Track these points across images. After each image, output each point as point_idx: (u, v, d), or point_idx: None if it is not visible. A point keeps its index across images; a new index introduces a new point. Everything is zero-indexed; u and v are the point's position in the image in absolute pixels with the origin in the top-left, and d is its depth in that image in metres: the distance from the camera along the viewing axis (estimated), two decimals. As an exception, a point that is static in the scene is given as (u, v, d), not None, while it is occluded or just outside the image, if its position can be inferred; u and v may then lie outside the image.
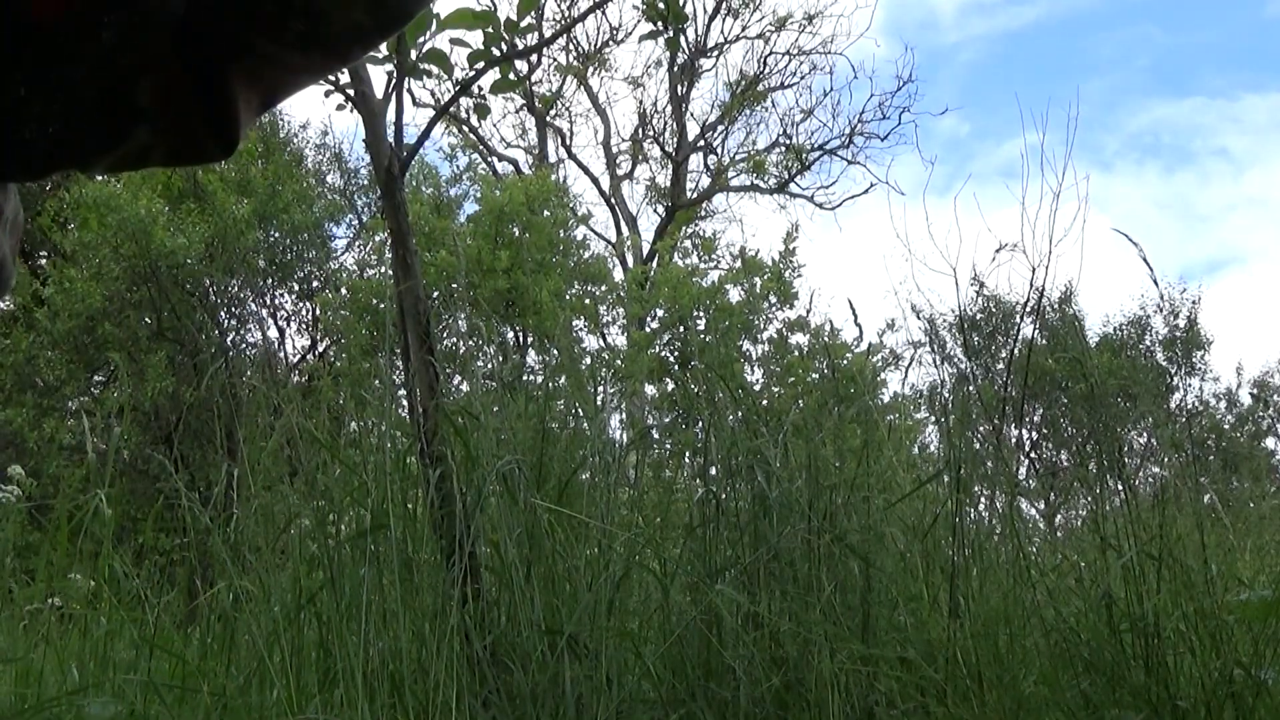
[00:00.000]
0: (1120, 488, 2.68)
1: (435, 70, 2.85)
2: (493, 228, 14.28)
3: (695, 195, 20.34)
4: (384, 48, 2.74)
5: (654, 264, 17.64)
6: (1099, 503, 2.73)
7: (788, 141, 20.26)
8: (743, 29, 20.28)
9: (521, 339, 14.14)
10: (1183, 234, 30.70)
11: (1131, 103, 30.56)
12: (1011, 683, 2.22)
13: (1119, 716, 2.12)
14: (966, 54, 30.53)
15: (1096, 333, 19.79)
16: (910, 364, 16.82)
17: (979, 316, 18.15)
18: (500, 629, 2.33)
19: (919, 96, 27.34)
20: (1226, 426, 20.58)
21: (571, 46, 20.00)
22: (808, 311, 16.85)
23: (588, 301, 16.17)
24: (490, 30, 2.81)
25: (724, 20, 20.36)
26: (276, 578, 2.47)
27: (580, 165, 20.77)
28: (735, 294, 16.64)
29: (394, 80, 2.75)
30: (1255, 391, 21.17)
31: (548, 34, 9.80)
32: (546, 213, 14.90)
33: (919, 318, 13.54)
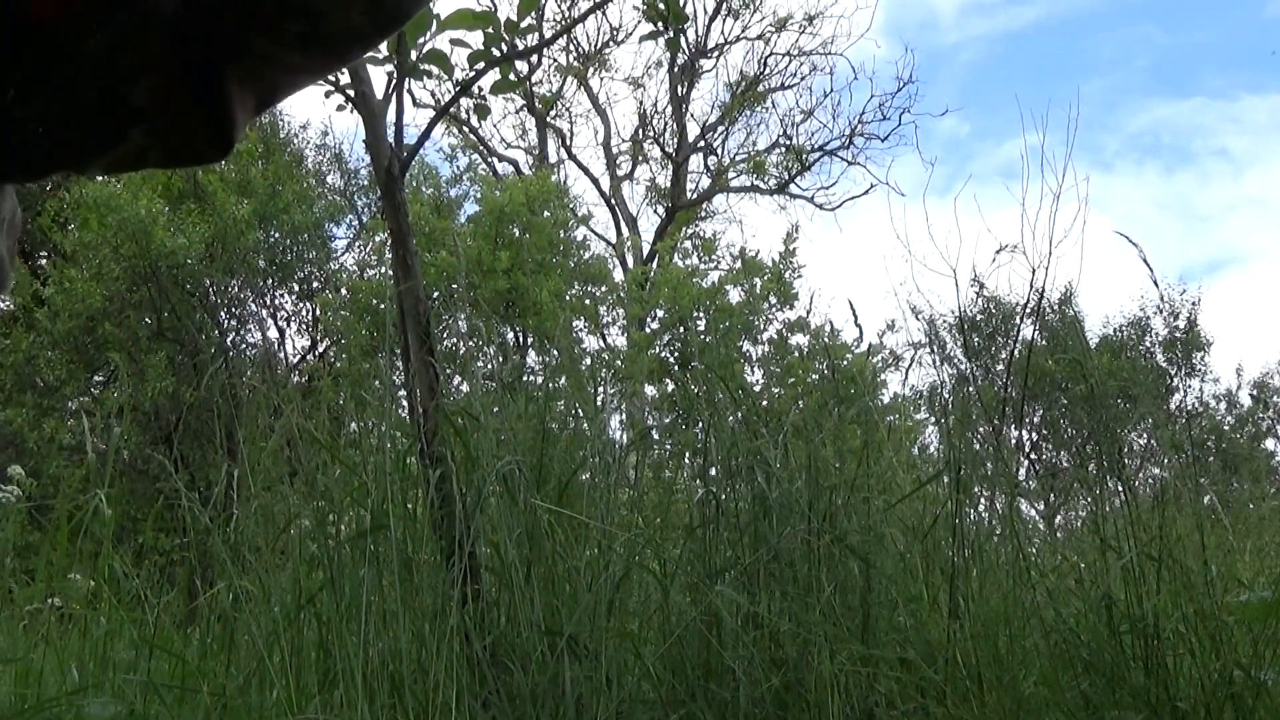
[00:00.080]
0: (1120, 489, 2.68)
1: (435, 71, 2.85)
2: (493, 228, 14.28)
3: (695, 196, 20.34)
4: (384, 48, 2.74)
5: (654, 265, 17.64)
6: (1099, 504, 2.73)
7: (788, 142, 20.27)
8: (743, 30, 20.30)
9: (521, 340, 14.14)
10: (1183, 234, 30.71)
11: (1131, 103, 30.57)
12: (1011, 683, 2.22)
13: (1119, 717, 2.12)
14: (966, 54, 30.55)
15: (1096, 334, 19.80)
16: (910, 365, 16.80)
17: (979, 317, 18.15)
18: (500, 629, 2.33)
19: (919, 97, 27.33)
20: (1226, 428, 20.58)
21: (572, 47, 20.01)
22: (808, 312, 16.86)
23: (588, 302, 16.17)
24: (490, 31, 2.81)
25: (724, 21, 20.38)
26: (276, 578, 2.47)
27: (580, 166, 20.79)
28: (735, 295, 16.64)
29: (394, 81, 2.75)
30: (1255, 393, 21.18)
31: (548, 34, 9.81)
32: (547, 213, 14.90)
33: (919, 319, 13.53)
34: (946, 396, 3.57)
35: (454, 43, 2.82)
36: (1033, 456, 17.83)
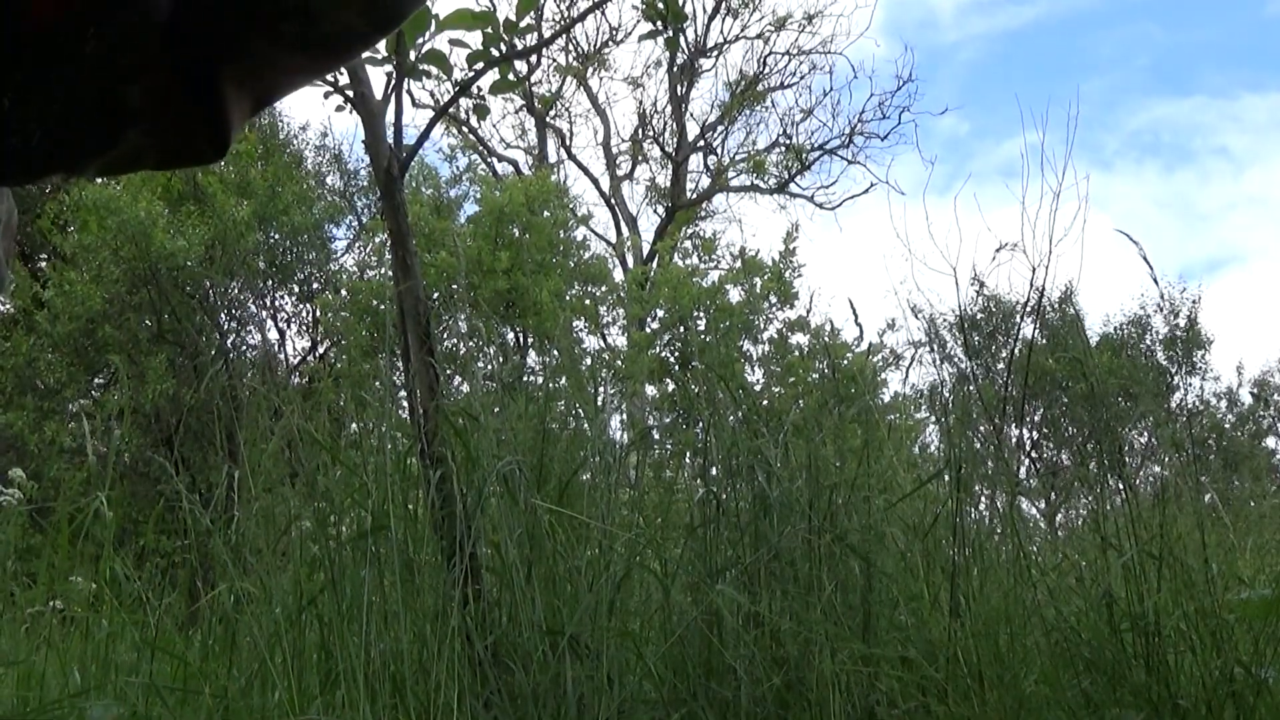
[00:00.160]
0: (1121, 487, 2.68)
1: (434, 71, 2.85)
2: (493, 228, 14.28)
3: (695, 195, 20.34)
4: (383, 49, 2.74)
5: (654, 264, 17.64)
6: (1099, 502, 2.73)
7: (787, 141, 20.27)
8: (742, 29, 20.30)
9: (522, 340, 14.14)
10: (1183, 233, 30.71)
11: (1131, 102, 30.57)
12: (1012, 682, 2.22)
13: (1120, 715, 2.12)
14: (966, 53, 30.55)
15: (1097, 332, 19.79)
16: (911, 364, 16.81)
17: (979, 316, 18.15)
18: (501, 630, 2.33)
19: (919, 96, 27.30)
20: (1227, 426, 20.58)
21: (571, 47, 20.01)
22: (808, 311, 16.86)
23: (588, 302, 16.17)
24: (489, 31, 2.81)
25: (723, 20, 20.38)
26: (278, 579, 2.47)
27: (580, 166, 20.79)
28: (735, 294, 16.64)
29: (393, 81, 2.75)
30: (1255, 391, 21.17)
31: (547, 34, 9.81)
32: (546, 213, 14.90)
33: (919, 317, 13.53)
34: (947, 395, 3.57)
35: (453, 43, 2.82)
36: (1033, 455, 17.83)
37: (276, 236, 14.17)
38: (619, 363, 14.00)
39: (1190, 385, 19.83)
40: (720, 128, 20.66)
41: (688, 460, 3.62)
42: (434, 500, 2.40)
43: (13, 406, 12.20)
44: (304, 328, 15.18)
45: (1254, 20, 29.09)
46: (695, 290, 15.89)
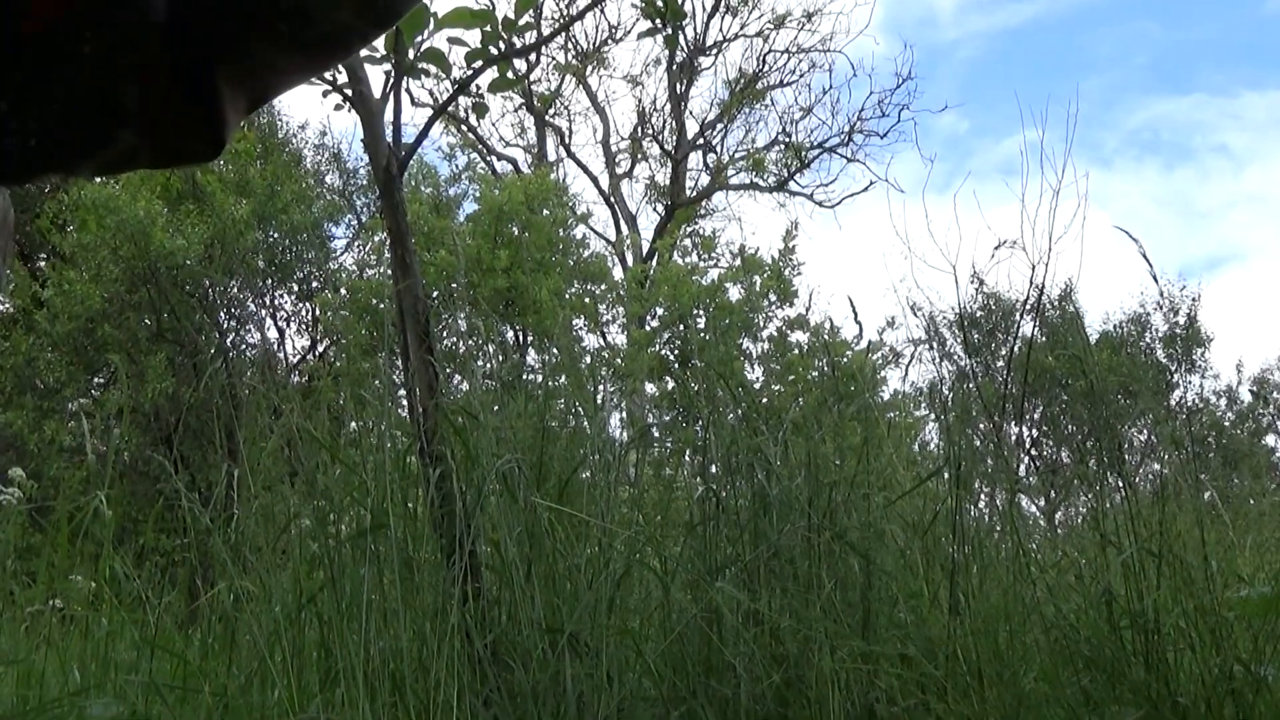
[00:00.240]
0: (1120, 485, 2.68)
1: (433, 70, 2.85)
2: (492, 227, 14.27)
3: (694, 194, 20.34)
4: (381, 47, 2.74)
5: (653, 262, 17.64)
6: (1099, 500, 2.73)
7: (787, 139, 20.27)
8: (741, 27, 20.30)
9: (521, 338, 14.14)
10: (1182, 231, 30.72)
11: (1130, 100, 30.58)
12: (1012, 679, 2.22)
13: (1119, 713, 2.12)
14: (965, 51, 30.55)
15: (1096, 330, 19.79)
16: (910, 361, 16.82)
17: (979, 314, 18.15)
18: (501, 627, 2.33)
19: (918, 94, 27.26)
20: (1226, 424, 20.58)
21: (570, 45, 20.01)
22: (807, 309, 16.86)
23: (587, 300, 16.17)
24: (488, 29, 2.80)
25: (722, 18, 20.38)
26: (277, 578, 2.47)
27: (579, 164, 20.79)
28: (735, 292, 16.64)
29: (392, 80, 2.75)
30: (1255, 389, 21.17)
31: (546, 32, 9.78)
32: (546, 212, 14.89)
33: (919, 315, 13.53)
34: (946, 393, 3.57)
35: (452, 41, 2.82)
36: (1033, 453, 17.84)
37: (276, 235, 14.17)
38: (618, 361, 14.00)
39: (1190, 383, 19.83)
40: (719, 126, 20.68)
41: (687, 458, 3.62)
42: (433, 498, 2.40)
43: (12, 406, 12.20)
44: (303, 326, 15.19)
45: (1253, 18, 29.10)
46: (695, 288, 15.89)
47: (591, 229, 19.17)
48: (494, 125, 20.44)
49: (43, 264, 14.33)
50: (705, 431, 2.90)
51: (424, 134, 2.97)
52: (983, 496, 2.91)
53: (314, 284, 14.87)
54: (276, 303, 14.83)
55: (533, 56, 17.85)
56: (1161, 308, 19.83)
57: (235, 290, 13.98)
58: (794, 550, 2.52)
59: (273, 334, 14.72)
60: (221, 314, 13.88)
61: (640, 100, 21.36)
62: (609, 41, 20.05)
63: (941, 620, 2.35)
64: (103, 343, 12.48)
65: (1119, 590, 2.29)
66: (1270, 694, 2.07)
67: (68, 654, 2.64)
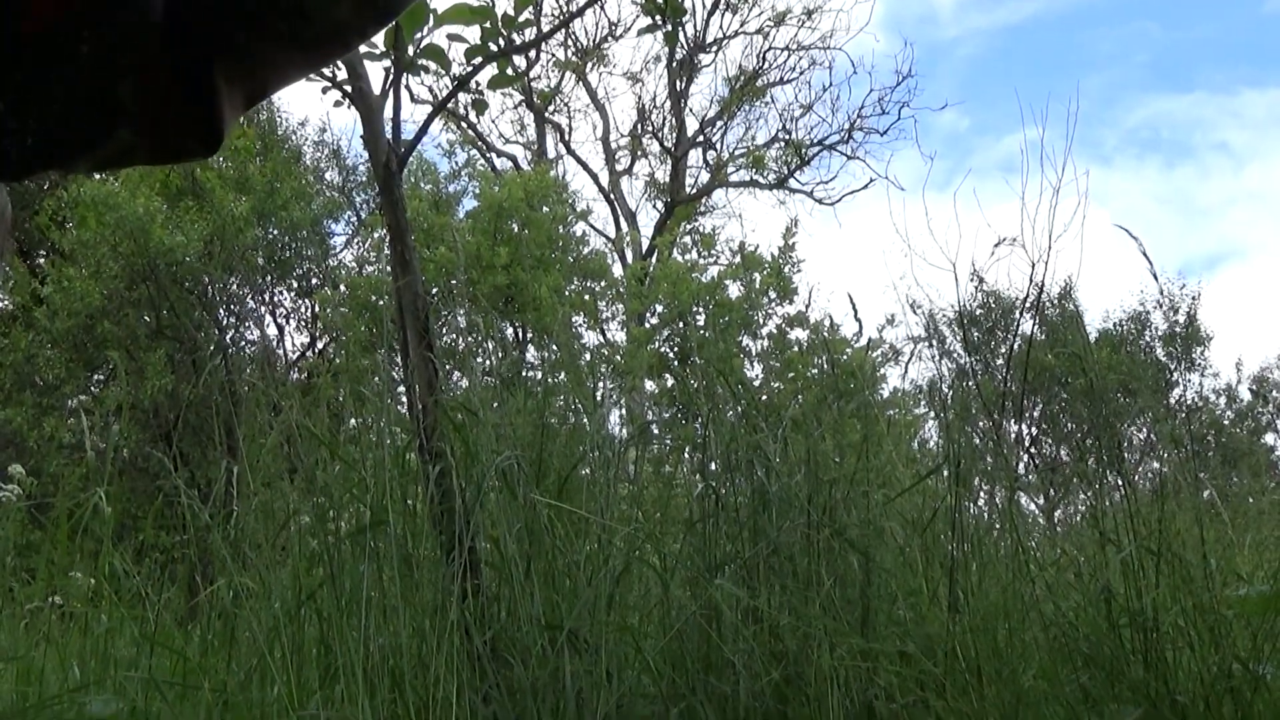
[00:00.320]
0: (1119, 483, 2.68)
1: (433, 66, 2.84)
2: (492, 224, 14.27)
3: (694, 191, 20.33)
4: (381, 43, 2.73)
5: (653, 259, 17.63)
6: (1098, 498, 2.73)
7: (787, 137, 20.26)
8: (741, 24, 20.29)
9: (521, 335, 14.14)
10: (1182, 229, 30.72)
11: (1130, 98, 30.59)
12: (1011, 677, 2.22)
13: (1118, 711, 2.12)
14: (966, 49, 30.54)
15: (1096, 328, 19.79)
16: (910, 359, 16.83)
17: (979, 312, 18.15)
18: (500, 624, 2.33)
19: (918, 91, 27.18)
20: (1226, 422, 20.59)
21: (570, 42, 20.00)
22: (807, 307, 16.86)
23: (587, 297, 16.17)
24: (488, 25, 2.80)
25: (722, 15, 20.37)
26: (277, 574, 2.47)
27: (579, 161, 20.78)
28: (734, 289, 16.64)
29: (391, 76, 2.75)
30: (1255, 387, 21.18)
31: (546, 29, 9.77)
32: (545, 208, 14.89)
33: (918, 313, 13.52)
34: (946, 391, 3.57)
35: (451, 38, 2.82)
36: (1032, 451, 17.84)
37: (275, 232, 14.17)
38: (618, 358, 14.00)
39: (1189, 381, 19.83)
40: (719, 123, 20.67)
41: (687, 455, 3.62)
42: (433, 495, 2.40)
43: (12, 403, 12.20)
44: (303, 323, 15.19)
45: (1253, 17, 29.09)
46: (694, 285, 15.89)
47: (591, 226, 19.19)
48: (494, 122, 20.45)
49: (42, 261, 14.33)
50: (705, 429, 2.90)
51: (423, 130, 2.97)
52: (982, 494, 2.91)
53: (313, 281, 14.88)
54: (276, 299, 14.84)
55: (532, 53, 17.84)
56: (1161, 306, 19.84)
57: (235, 287, 13.98)
58: (793, 547, 2.52)
59: (272, 331, 14.73)
60: (221, 311, 13.88)
61: (640, 97, 21.38)
62: (609, 38, 20.05)
63: (941, 618, 2.35)
64: (102, 339, 12.48)
65: (1118, 588, 2.29)
66: (1269, 692, 2.07)
67: (67, 651, 2.64)
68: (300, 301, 15.02)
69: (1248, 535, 3.30)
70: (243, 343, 14.20)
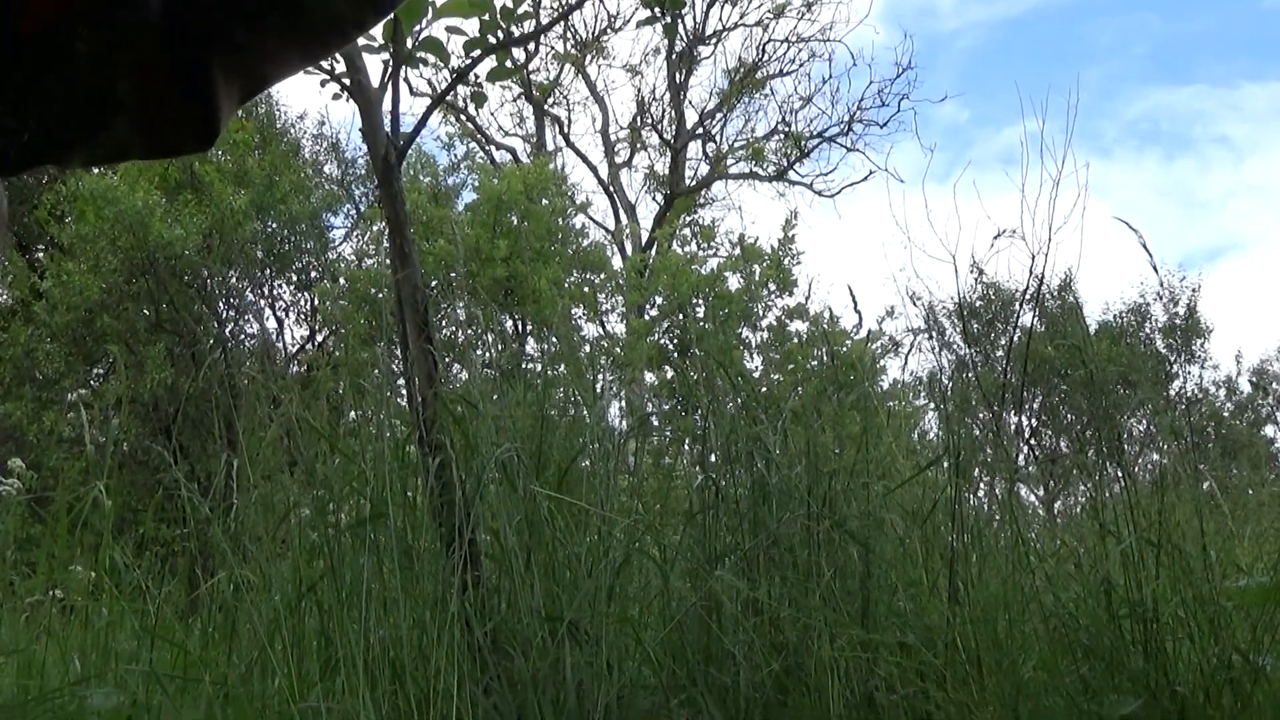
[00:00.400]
0: (1119, 474, 2.68)
1: (432, 59, 2.84)
2: (491, 216, 14.26)
3: (694, 183, 20.31)
4: (379, 36, 2.73)
5: (653, 252, 17.62)
6: (1098, 489, 2.73)
7: (786, 129, 20.24)
8: (741, 16, 20.25)
9: (520, 327, 14.14)
10: (1183, 221, 30.72)
11: (1130, 90, 30.57)
12: (1010, 668, 2.22)
13: (1117, 702, 2.12)
14: (965, 41, 30.50)
15: (1096, 320, 19.80)
16: (910, 351, 16.82)
17: (978, 303, 18.15)
18: (501, 616, 2.33)
19: (918, 83, 27.18)
20: (1226, 414, 20.60)
21: (569, 34, 19.96)
22: (807, 299, 16.87)
23: (586, 290, 16.16)
24: (486, 18, 2.80)
25: (722, 7, 20.33)
26: (277, 567, 2.47)
27: (578, 153, 20.76)
28: (734, 281, 16.65)
29: (390, 69, 2.74)
30: (1254, 379, 21.19)
31: (545, 21, 9.75)
32: (545, 201, 14.88)
33: (918, 305, 13.53)
34: (946, 382, 3.57)
35: (450, 30, 2.81)
36: (1032, 442, 17.85)
37: (274, 225, 14.16)
38: (617, 350, 14.00)
39: (1189, 373, 19.84)
40: (719, 115, 20.64)
41: (686, 447, 3.62)
42: (433, 487, 2.40)
43: (11, 397, 12.20)
44: (302, 316, 15.19)
45: (1253, 10, 29.06)
46: (694, 277, 15.89)
47: (590, 218, 19.17)
48: (493, 114, 20.42)
49: (41, 255, 14.32)
50: (704, 420, 2.90)
51: (422, 123, 2.96)
52: (982, 485, 2.91)
53: (312, 274, 14.87)
54: (275, 292, 14.83)
55: (531, 45, 17.80)
56: (1161, 298, 19.85)
57: (234, 280, 13.98)
58: (793, 539, 2.52)
59: (271, 324, 14.73)
60: (220, 304, 13.87)
61: (639, 89, 21.36)
62: (608, 30, 20.01)
63: (940, 609, 2.35)
64: (101, 333, 12.48)
65: (1118, 579, 2.29)
66: (1268, 683, 2.07)
67: (68, 644, 2.64)
68: (299, 295, 15.02)
69: (1247, 527, 3.30)
70: (242, 336, 14.19)
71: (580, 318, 16.03)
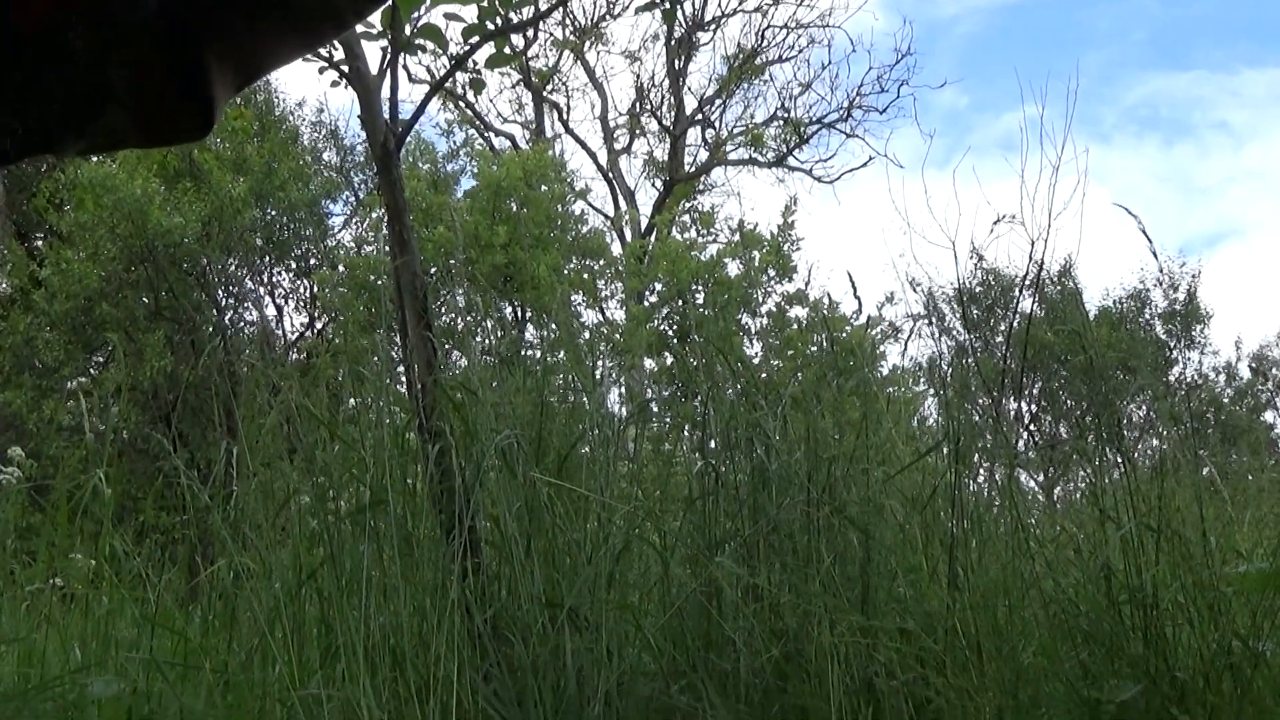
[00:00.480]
0: (1119, 460, 2.68)
1: (430, 46, 2.83)
2: (490, 203, 14.24)
3: (693, 169, 20.28)
4: (378, 23, 2.72)
5: (652, 238, 17.61)
6: (1098, 475, 2.73)
7: (786, 115, 20.20)
8: (740, 2, 20.18)
9: (520, 314, 14.13)
10: (1182, 207, 30.69)
11: (1130, 75, 30.51)
12: (1010, 653, 2.23)
13: (1117, 687, 2.13)
14: (965, 26, 30.41)
15: (1096, 306, 19.80)
16: (909, 337, 16.83)
17: (978, 289, 18.14)
18: (501, 602, 2.33)
19: (917, 69, 27.13)
20: (1225, 400, 20.61)
21: (568, 20, 19.90)
22: (806, 285, 16.85)
23: (586, 276, 16.15)
24: (485, 4, 2.78)
25: (721, -7, 20.25)
26: (277, 554, 2.47)
27: (578, 140, 20.72)
28: (734, 268, 16.63)
29: (388, 56, 2.73)
30: (1254, 365, 21.19)
31: (543, 8, 9.69)
32: (544, 188, 14.86)
33: (918, 290, 13.51)
34: (946, 368, 3.57)
35: (448, 17, 2.80)
36: (1032, 428, 17.87)
37: (273, 213, 14.14)
38: (617, 336, 14.00)
39: (1189, 359, 19.85)
40: (718, 101, 20.60)
41: (686, 433, 3.62)
42: (432, 474, 2.40)
43: (11, 385, 12.20)
44: (301, 303, 15.19)
45: (1252, -4, 28.97)
46: (693, 264, 15.88)
47: (590, 205, 19.15)
48: (491, 101, 20.37)
49: (40, 243, 14.30)
50: (704, 406, 2.90)
51: (421, 110, 2.96)
52: (982, 471, 2.91)
53: (312, 261, 14.85)
54: (274, 280, 14.83)
55: (530, 32, 17.75)
56: (1161, 284, 19.84)
57: (233, 268, 13.97)
58: (793, 525, 2.52)
59: (271, 311, 14.72)
60: (219, 292, 13.86)
61: (639, 76, 21.29)
62: (607, 16, 19.94)
63: (940, 595, 2.35)
64: (101, 321, 12.48)
65: (1117, 565, 2.29)
66: (1268, 669, 2.07)
67: (68, 632, 2.64)
68: (299, 282, 15.01)
69: (1247, 512, 3.30)
70: (241, 323, 14.19)
71: (580, 304, 16.02)
